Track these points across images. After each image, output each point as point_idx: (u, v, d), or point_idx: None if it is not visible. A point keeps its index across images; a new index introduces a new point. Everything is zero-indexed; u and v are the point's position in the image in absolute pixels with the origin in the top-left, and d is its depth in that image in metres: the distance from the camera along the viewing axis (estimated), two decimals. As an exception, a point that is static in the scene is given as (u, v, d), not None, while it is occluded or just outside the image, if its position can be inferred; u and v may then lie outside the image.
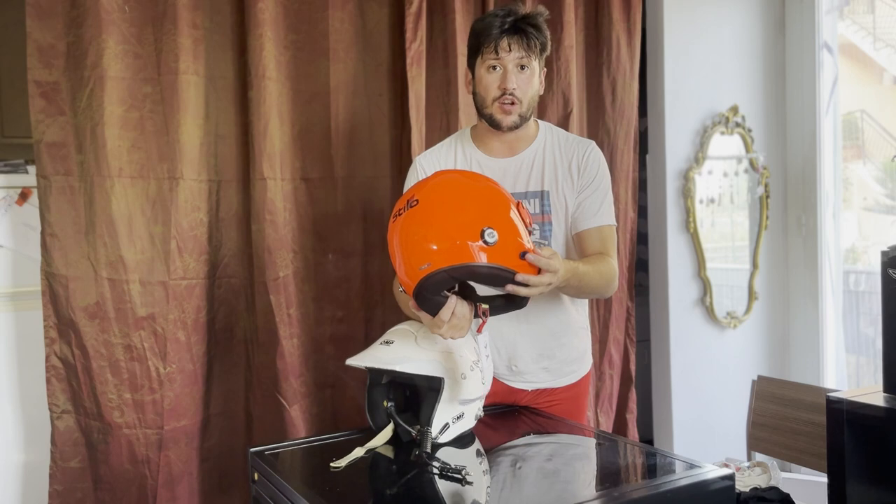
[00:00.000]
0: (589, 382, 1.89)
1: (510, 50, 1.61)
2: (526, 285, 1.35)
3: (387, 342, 1.48)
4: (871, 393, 1.61)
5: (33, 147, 1.94)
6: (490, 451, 1.52)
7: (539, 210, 1.70)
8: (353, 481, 1.34)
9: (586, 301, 1.84)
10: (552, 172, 1.71)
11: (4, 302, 2.06)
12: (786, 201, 3.25)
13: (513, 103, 1.64)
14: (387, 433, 1.48)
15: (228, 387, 2.19)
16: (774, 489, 1.67)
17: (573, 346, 1.79)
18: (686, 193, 2.97)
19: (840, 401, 1.59)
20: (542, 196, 1.70)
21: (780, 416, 2.30)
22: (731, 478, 1.28)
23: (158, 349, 2.03)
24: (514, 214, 1.37)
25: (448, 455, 1.41)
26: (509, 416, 1.73)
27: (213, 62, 2.10)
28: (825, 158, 3.13)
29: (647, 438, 3.07)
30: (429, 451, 1.35)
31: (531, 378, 1.76)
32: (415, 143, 2.28)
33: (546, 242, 1.70)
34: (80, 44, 1.94)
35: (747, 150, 3.13)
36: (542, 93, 1.72)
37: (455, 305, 1.38)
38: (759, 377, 2.41)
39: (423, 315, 1.40)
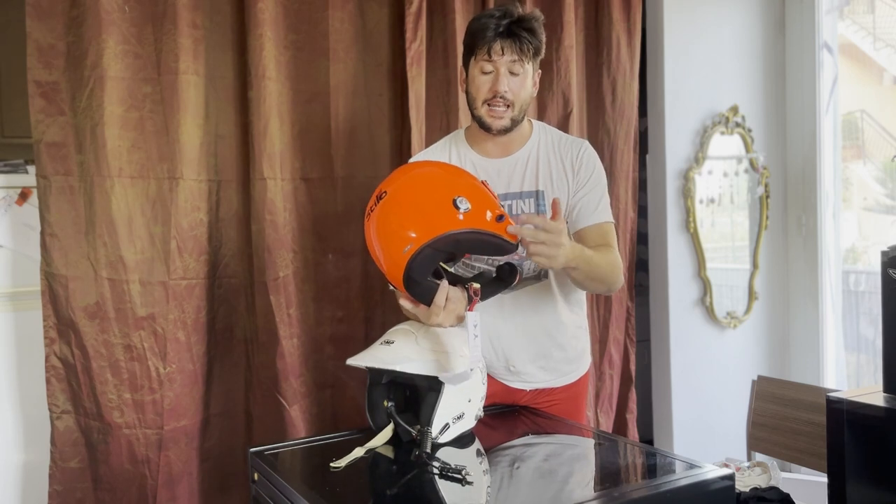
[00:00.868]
0: (588, 382, 1.89)
1: (503, 54, 1.60)
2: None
3: (387, 342, 1.48)
4: (871, 393, 1.61)
5: (33, 147, 1.94)
6: (490, 451, 1.52)
7: (534, 210, 1.70)
8: (353, 481, 1.34)
9: (584, 301, 1.83)
10: (546, 172, 1.71)
11: (4, 302, 2.06)
12: (786, 201, 3.25)
13: (507, 106, 1.63)
14: (387, 433, 1.48)
15: (228, 387, 2.19)
16: (774, 489, 1.67)
17: (570, 346, 1.78)
18: (686, 193, 2.97)
19: (840, 401, 1.59)
20: (538, 196, 1.70)
21: (780, 416, 2.30)
22: (731, 478, 1.28)
23: (158, 349, 2.03)
24: (481, 186, 1.42)
25: (448, 455, 1.40)
26: (509, 416, 1.73)
27: (213, 62, 2.10)
28: (825, 158, 3.13)
29: (647, 438, 3.07)
30: (429, 451, 1.35)
31: (529, 378, 1.76)
32: (415, 143, 2.28)
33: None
34: (80, 44, 1.94)
35: (747, 150, 3.13)
36: (535, 94, 1.72)
37: (448, 289, 1.39)
38: (759, 377, 2.41)
39: (420, 308, 1.41)
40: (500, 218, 1.37)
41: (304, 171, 2.22)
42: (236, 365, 2.20)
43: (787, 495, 1.63)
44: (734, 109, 3.07)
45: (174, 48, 2.01)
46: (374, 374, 1.50)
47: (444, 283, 1.40)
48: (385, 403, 1.50)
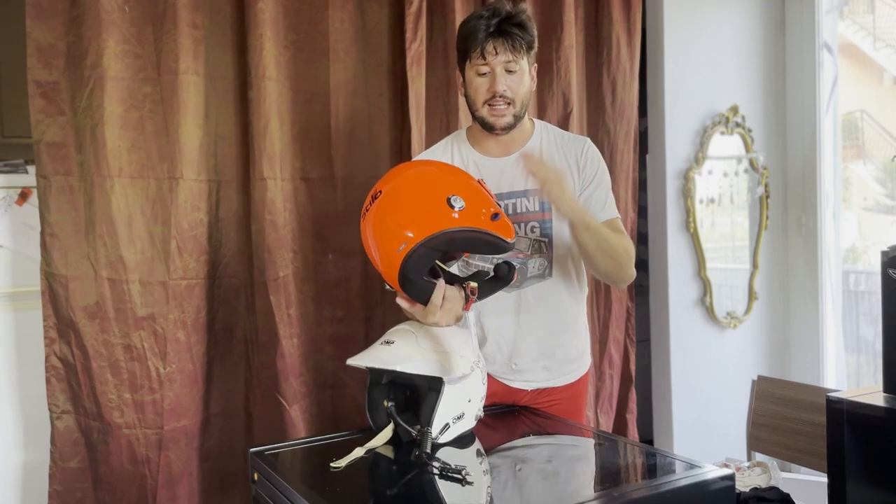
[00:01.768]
0: (588, 382, 1.89)
1: (497, 53, 1.61)
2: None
3: (387, 342, 1.48)
4: (871, 393, 1.61)
5: (33, 147, 1.94)
6: (490, 452, 1.52)
7: (538, 207, 1.70)
8: (353, 481, 1.34)
9: (585, 299, 1.83)
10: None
11: (4, 302, 2.06)
12: (786, 201, 3.25)
13: (508, 104, 1.64)
14: (387, 433, 1.48)
15: (228, 387, 2.19)
16: (774, 489, 1.67)
17: (572, 345, 1.79)
18: (686, 193, 2.97)
19: (840, 401, 1.59)
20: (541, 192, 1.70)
21: (780, 416, 2.30)
22: (731, 478, 1.28)
23: (158, 349, 2.03)
24: (476, 185, 1.43)
25: (448, 455, 1.40)
26: (509, 416, 1.73)
27: (213, 62, 2.10)
28: (825, 158, 3.13)
29: (647, 438, 3.07)
30: (429, 451, 1.35)
31: (530, 377, 1.76)
32: (415, 143, 2.27)
33: (546, 240, 1.70)
34: (80, 44, 1.94)
35: (747, 150, 3.13)
36: (534, 89, 1.72)
37: (445, 288, 1.39)
38: (759, 377, 2.41)
39: (416, 308, 1.41)
40: (495, 216, 1.38)
41: (304, 171, 2.21)
42: (236, 365, 2.20)
43: (787, 495, 1.63)
44: (734, 109, 3.07)
45: (174, 48, 2.01)
46: (374, 374, 1.50)
47: (441, 282, 1.40)
48: (385, 403, 1.50)
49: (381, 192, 1.41)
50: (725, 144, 3.08)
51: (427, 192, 1.39)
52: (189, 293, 2.06)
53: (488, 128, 1.67)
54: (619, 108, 2.72)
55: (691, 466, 1.31)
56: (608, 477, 1.39)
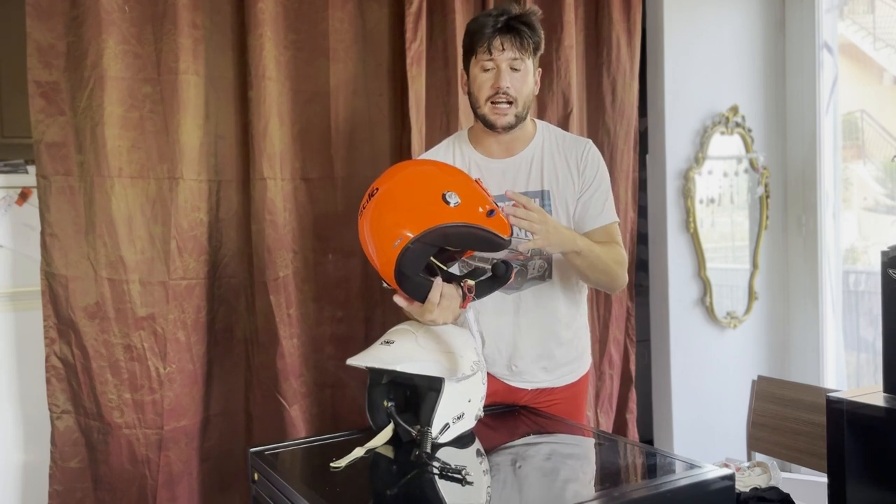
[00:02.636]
0: (588, 382, 1.89)
1: (503, 49, 1.61)
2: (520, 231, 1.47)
3: (387, 342, 1.48)
4: (871, 393, 1.61)
5: (33, 147, 1.94)
6: (490, 452, 1.52)
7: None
8: (353, 481, 1.34)
9: (585, 299, 1.83)
10: (552, 171, 1.71)
11: (4, 302, 2.06)
12: (786, 201, 3.25)
13: (509, 103, 1.63)
14: (387, 433, 1.48)
15: (228, 387, 2.19)
16: (774, 489, 1.67)
17: (573, 345, 1.79)
18: (686, 193, 2.97)
19: (840, 401, 1.59)
20: (543, 195, 1.70)
21: (780, 416, 2.30)
22: (731, 478, 1.28)
23: (158, 349, 2.03)
24: (473, 183, 1.44)
25: (448, 455, 1.40)
26: (509, 416, 1.73)
27: (213, 62, 2.10)
28: (825, 158, 3.13)
29: (647, 438, 3.07)
30: (429, 451, 1.35)
31: (530, 378, 1.76)
32: (415, 143, 2.27)
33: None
34: (80, 44, 1.94)
35: (747, 150, 3.13)
36: (537, 92, 1.73)
37: (442, 285, 1.39)
38: (759, 377, 2.41)
39: (414, 306, 1.41)
40: (490, 213, 1.38)
41: (304, 171, 2.21)
42: (236, 365, 2.20)
43: (787, 495, 1.63)
44: (734, 109, 3.07)
45: (174, 48, 2.01)
46: (374, 374, 1.50)
47: (438, 280, 1.40)
48: (385, 403, 1.50)
49: (377, 189, 1.41)
50: (725, 144, 3.08)
51: (423, 189, 1.40)
52: (189, 293, 2.06)
53: (490, 126, 1.67)
54: (619, 108, 2.72)
55: (691, 466, 1.31)
56: (608, 477, 1.39)
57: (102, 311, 1.98)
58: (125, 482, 2.01)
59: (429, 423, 1.40)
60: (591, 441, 1.65)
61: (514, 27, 1.61)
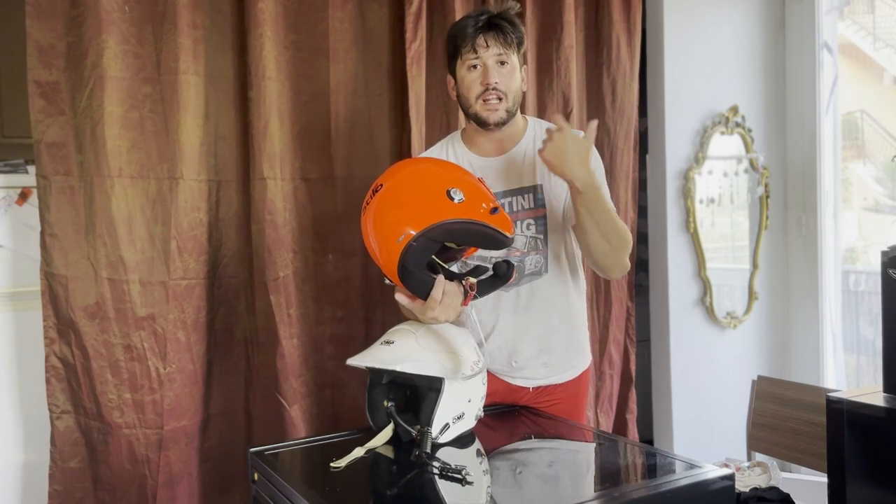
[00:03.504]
0: (588, 379, 1.89)
1: (488, 46, 1.63)
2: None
3: (387, 342, 1.48)
4: (871, 393, 1.61)
5: (33, 147, 1.94)
6: (490, 452, 1.52)
7: (533, 204, 1.70)
8: (353, 481, 1.34)
9: (583, 295, 1.83)
10: (544, 165, 1.70)
11: (4, 302, 2.06)
12: (786, 201, 3.25)
13: (499, 99, 1.65)
14: (387, 433, 1.48)
15: (228, 387, 2.19)
16: (774, 489, 1.67)
17: (573, 339, 1.79)
18: (686, 193, 2.97)
19: (840, 401, 1.59)
20: (535, 189, 1.70)
21: (780, 416, 2.30)
22: (731, 478, 1.28)
23: (158, 349, 2.03)
24: (476, 181, 1.44)
25: (448, 455, 1.40)
26: (509, 416, 1.73)
27: (213, 62, 2.10)
28: (825, 158, 3.13)
29: (647, 438, 3.07)
30: (429, 451, 1.35)
31: (531, 374, 1.76)
32: (415, 143, 2.28)
33: (542, 237, 1.70)
34: (80, 44, 1.94)
35: (747, 150, 3.13)
36: (525, 89, 1.73)
37: (445, 283, 1.40)
38: (759, 377, 2.41)
39: (416, 303, 1.41)
40: (494, 210, 1.38)
41: (304, 171, 2.21)
42: (236, 365, 2.20)
43: (787, 495, 1.63)
44: (734, 109, 3.07)
45: (174, 48, 2.01)
46: (374, 374, 1.50)
47: (441, 278, 1.40)
48: (385, 403, 1.50)
49: (381, 186, 1.42)
50: (725, 144, 3.08)
51: (427, 185, 1.40)
52: (189, 293, 2.06)
53: (482, 123, 1.68)
54: (619, 108, 2.72)
55: (691, 466, 1.31)
56: (608, 477, 1.39)
57: (102, 311, 1.98)
58: (125, 482, 2.01)
59: (429, 423, 1.40)
60: (592, 441, 1.65)
61: (496, 24, 1.63)
